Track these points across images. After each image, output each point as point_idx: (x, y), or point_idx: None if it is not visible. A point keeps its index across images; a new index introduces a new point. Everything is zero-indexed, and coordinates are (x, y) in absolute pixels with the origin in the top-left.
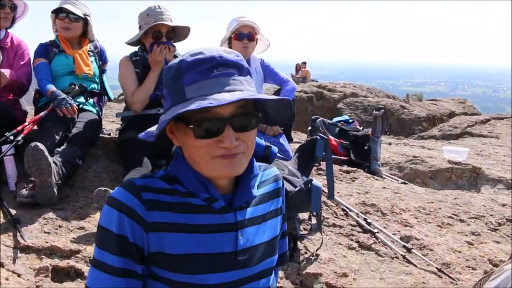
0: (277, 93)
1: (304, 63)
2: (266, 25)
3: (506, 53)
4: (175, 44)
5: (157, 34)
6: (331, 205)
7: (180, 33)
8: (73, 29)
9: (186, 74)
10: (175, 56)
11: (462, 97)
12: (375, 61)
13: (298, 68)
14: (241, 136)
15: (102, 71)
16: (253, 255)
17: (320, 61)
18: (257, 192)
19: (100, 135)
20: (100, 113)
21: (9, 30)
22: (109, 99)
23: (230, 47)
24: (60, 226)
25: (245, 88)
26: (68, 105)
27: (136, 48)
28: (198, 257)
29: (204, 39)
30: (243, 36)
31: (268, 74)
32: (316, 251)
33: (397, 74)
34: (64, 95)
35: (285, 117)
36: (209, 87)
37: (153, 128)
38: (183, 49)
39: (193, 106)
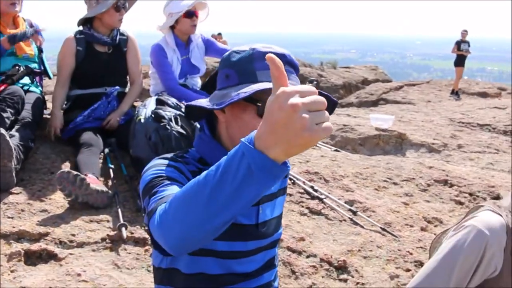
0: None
1: (220, 34)
2: None
3: (413, 23)
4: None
5: (119, 4)
6: None
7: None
8: (19, 5)
9: (259, 61)
10: None
11: (373, 64)
12: (284, 32)
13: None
14: None
15: (40, 49)
16: (269, 228)
17: (228, 33)
18: None
19: None
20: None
21: None
22: (49, 78)
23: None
24: (22, 210)
25: None
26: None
27: None
28: None
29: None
30: (192, 13)
31: (210, 47)
32: None
33: (308, 43)
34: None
35: None
36: None
37: (205, 100)
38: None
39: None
